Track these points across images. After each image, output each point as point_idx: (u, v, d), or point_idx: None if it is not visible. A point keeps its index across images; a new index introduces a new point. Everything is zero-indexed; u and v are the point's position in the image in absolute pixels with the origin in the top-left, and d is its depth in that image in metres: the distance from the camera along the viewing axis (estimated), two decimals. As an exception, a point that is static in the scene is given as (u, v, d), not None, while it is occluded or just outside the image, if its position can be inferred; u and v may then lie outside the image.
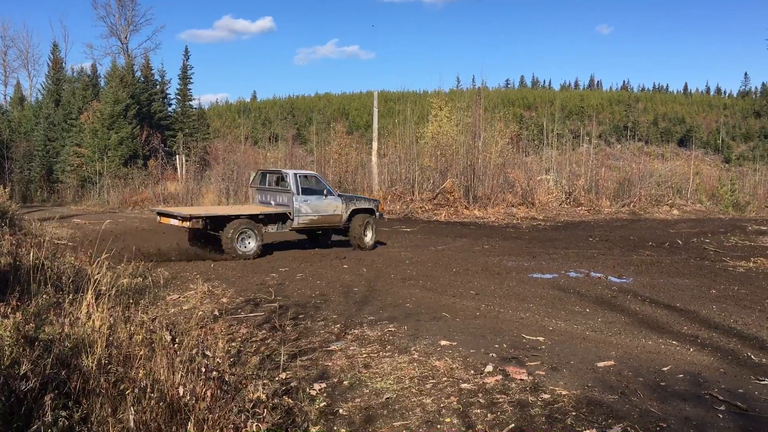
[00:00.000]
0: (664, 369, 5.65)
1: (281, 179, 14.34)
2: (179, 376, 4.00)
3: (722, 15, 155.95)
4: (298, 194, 13.59)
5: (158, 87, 44.42)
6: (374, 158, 30.55)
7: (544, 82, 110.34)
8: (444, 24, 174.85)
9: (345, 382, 5.33)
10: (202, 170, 35.10)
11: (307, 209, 13.74)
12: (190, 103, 46.90)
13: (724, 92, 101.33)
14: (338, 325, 7.28)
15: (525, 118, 68.27)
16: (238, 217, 12.84)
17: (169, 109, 45.66)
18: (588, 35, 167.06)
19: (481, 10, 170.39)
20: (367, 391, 5.14)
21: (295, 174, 14.02)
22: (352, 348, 6.35)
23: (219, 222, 12.67)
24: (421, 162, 29.73)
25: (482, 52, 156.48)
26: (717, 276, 11.23)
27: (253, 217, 13.08)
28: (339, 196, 14.59)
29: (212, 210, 14.73)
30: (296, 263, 12.44)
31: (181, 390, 3.80)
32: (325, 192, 14.14)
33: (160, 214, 13.72)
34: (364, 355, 6.08)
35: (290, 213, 13.56)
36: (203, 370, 4.12)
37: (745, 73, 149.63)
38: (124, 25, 47.59)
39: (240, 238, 12.66)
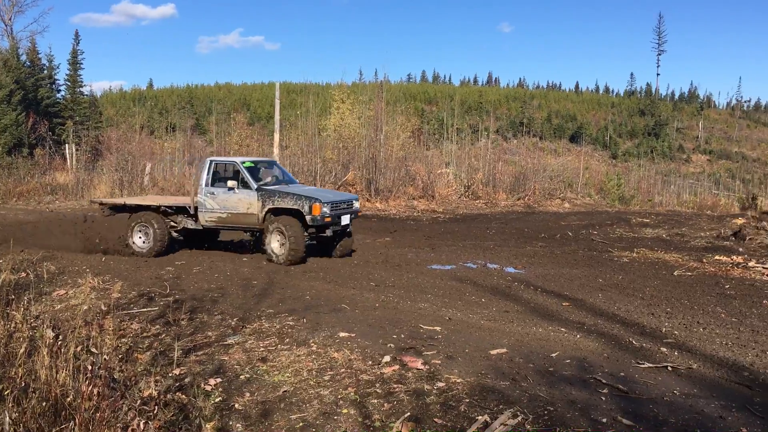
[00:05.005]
0: (553, 355, 5.90)
1: None
2: (63, 374, 3.81)
3: (611, 17, 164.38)
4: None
5: (46, 72, 42.01)
6: (276, 150, 30.11)
7: (445, 77, 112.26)
8: (348, 17, 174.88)
9: (241, 377, 5.24)
10: (94, 160, 33.49)
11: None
12: (81, 89, 44.61)
13: (612, 91, 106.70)
14: (236, 319, 7.15)
15: (426, 112, 69.29)
16: None
17: (58, 95, 43.26)
18: (489, 33, 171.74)
19: (385, 4, 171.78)
20: (265, 384, 5.08)
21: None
22: (249, 342, 6.25)
23: None
24: (324, 154, 29.63)
25: (385, 47, 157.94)
26: (603, 266, 11.81)
27: None
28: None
29: None
30: (194, 257, 12.11)
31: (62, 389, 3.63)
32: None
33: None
34: (262, 349, 6.00)
35: None
36: (89, 367, 3.94)
37: (631, 74, 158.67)
38: (8, 6, 44.63)
39: None
